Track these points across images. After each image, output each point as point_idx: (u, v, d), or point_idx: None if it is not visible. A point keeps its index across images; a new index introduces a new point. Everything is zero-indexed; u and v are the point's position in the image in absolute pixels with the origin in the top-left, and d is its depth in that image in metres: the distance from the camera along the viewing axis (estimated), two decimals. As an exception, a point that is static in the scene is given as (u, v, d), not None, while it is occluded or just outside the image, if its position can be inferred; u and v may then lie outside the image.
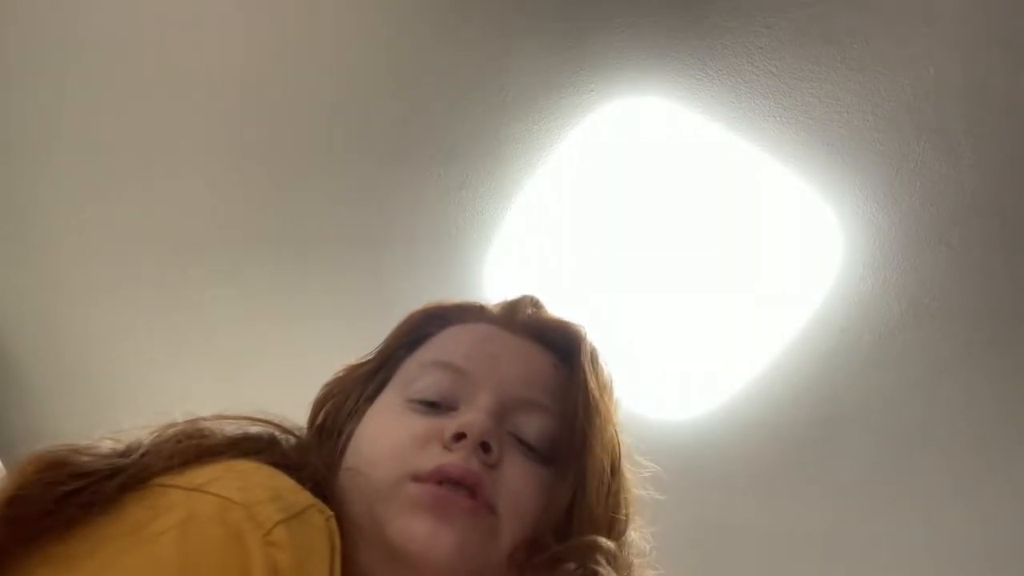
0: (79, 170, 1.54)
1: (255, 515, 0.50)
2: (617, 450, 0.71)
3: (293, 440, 0.66)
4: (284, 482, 0.56)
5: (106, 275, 1.66)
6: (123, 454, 0.56)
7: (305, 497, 0.54)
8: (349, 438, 0.69)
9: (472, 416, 0.65)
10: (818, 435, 1.67)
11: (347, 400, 0.73)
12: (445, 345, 0.73)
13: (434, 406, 0.68)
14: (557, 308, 0.79)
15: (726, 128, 1.36)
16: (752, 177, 1.40)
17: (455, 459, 0.63)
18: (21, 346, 1.76)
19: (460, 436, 0.64)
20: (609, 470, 0.69)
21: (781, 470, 1.71)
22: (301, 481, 0.57)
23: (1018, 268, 1.45)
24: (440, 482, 0.62)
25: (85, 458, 0.54)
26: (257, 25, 1.35)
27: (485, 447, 0.64)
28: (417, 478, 0.63)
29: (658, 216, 1.47)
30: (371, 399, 0.72)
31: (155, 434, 0.59)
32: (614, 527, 0.68)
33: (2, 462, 1.61)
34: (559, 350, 0.74)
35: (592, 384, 0.71)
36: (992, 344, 1.53)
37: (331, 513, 0.55)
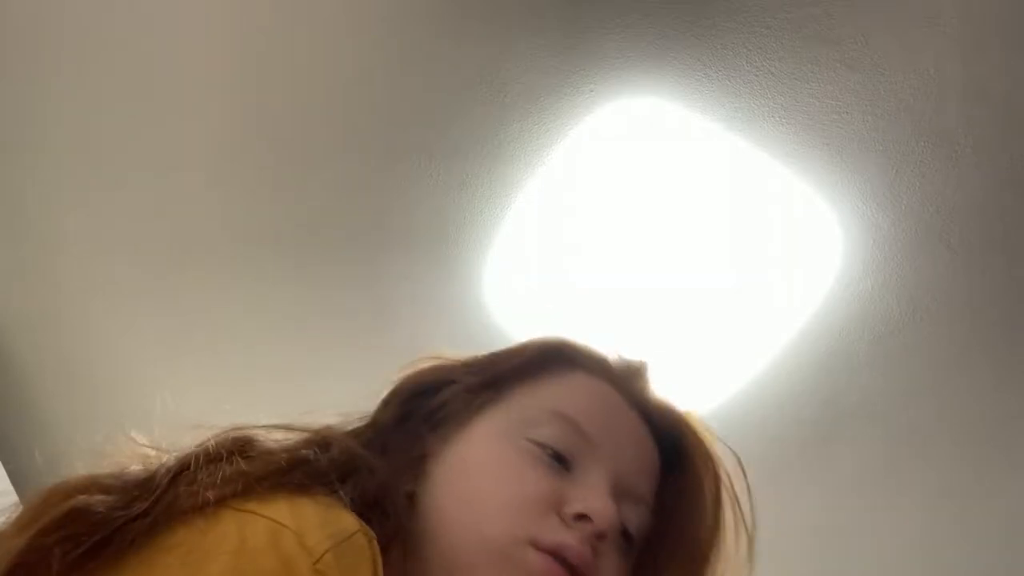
0: (80, 170, 1.54)
1: (305, 541, 0.49)
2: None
3: (336, 454, 0.61)
4: (331, 505, 0.54)
5: (106, 275, 1.66)
6: (151, 484, 0.52)
7: (352, 521, 0.53)
8: (435, 451, 0.66)
9: (601, 504, 0.63)
10: (818, 435, 1.67)
11: (444, 405, 0.69)
12: (570, 396, 0.69)
13: (555, 459, 0.65)
14: (662, 385, 0.75)
15: (726, 128, 1.36)
16: (752, 177, 1.40)
17: (574, 543, 0.61)
18: (21, 346, 1.76)
19: (583, 517, 0.62)
20: None
21: (781, 469, 1.71)
22: (344, 490, 0.56)
23: (1018, 268, 1.45)
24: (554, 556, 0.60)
25: (110, 499, 0.51)
26: (257, 25, 1.35)
27: (601, 536, 0.62)
28: (537, 546, 0.60)
29: (658, 216, 1.47)
30: (471, 416, 0.68)
31: (197, 452, 0.56)
32: None
33: (2, 463, 1.61)
34: (663, 443, 0.71)
35: (730, 526, 0.68)
36: (992, 344, 1.53)
37: (373, 535, 0.53)
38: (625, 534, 0.65)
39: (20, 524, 0.50)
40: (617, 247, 1.50)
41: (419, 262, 1.55)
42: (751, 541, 0.69)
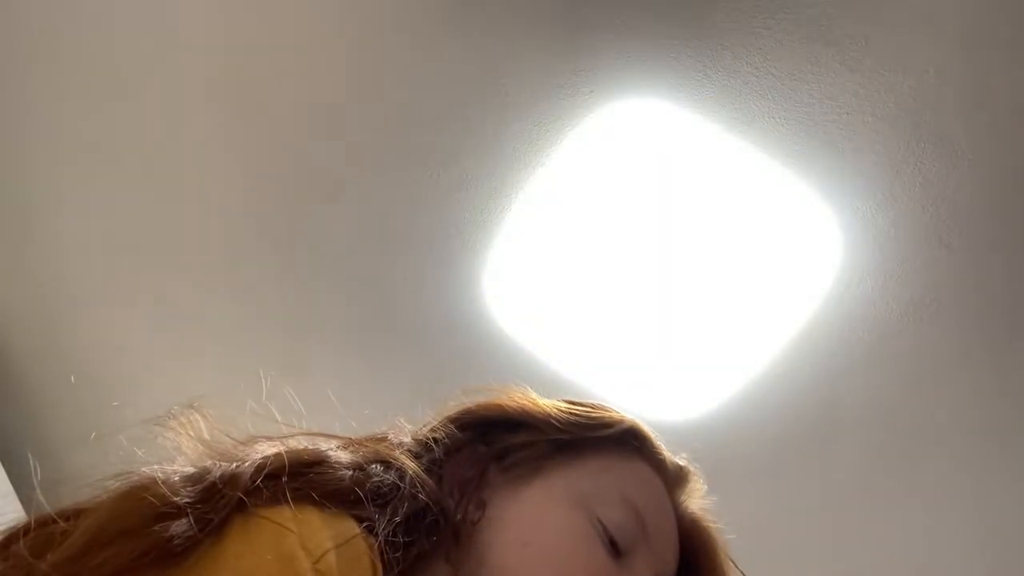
0: (79, 170, 1.54)
1: (306, 543, 0.51)
2: None
3: (383, 476, 0.62)
4: (336, 513, 0.56)
5: (106, 275, 1.66)
6: (214, 497, 0.54)
7: (353, 526, 0.55)
8: (499, 486, 0.68)
9: None
10: (817, 435, 1.67)
11: (522, 448, 0.70)
12: (640, 487, 0.71)
13: (611, 544, 0.67)
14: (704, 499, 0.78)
15: (725, 129, 1.36)
16: (752, 177, 1.40)
17: None
18: (21, 346, 1.76)
19: None
20: None
21: (780, 470, 1.71)
22: (381, 514, 0.57)
23: (1018, 268, 1.45)
24: None
25: (182, 527, 0.51)
26: (257, 26, 1.35)
27: None
28: None
29: (657, 217, 1.47)
30: (546, 469, 0.69)
31: (258, 467, 0.57)
32: None
33: (1, 463, 1.61)
34: (682, 552, 0.73)
35: None
36: (992, 344, 1.53)
37: (373, 541, 0.55)
38: None
39: (95, 541, 0.50)
40: (617, 247, 1.50)
41: (419, 262, 1.55)
42: None
